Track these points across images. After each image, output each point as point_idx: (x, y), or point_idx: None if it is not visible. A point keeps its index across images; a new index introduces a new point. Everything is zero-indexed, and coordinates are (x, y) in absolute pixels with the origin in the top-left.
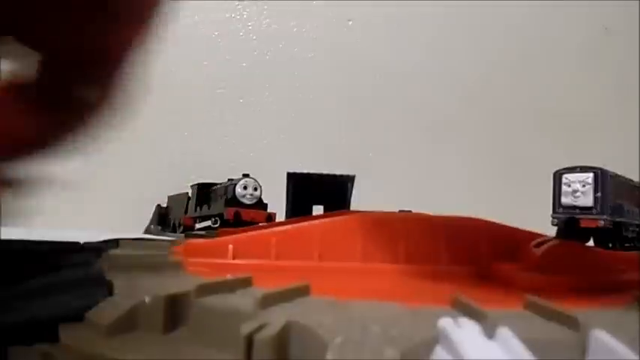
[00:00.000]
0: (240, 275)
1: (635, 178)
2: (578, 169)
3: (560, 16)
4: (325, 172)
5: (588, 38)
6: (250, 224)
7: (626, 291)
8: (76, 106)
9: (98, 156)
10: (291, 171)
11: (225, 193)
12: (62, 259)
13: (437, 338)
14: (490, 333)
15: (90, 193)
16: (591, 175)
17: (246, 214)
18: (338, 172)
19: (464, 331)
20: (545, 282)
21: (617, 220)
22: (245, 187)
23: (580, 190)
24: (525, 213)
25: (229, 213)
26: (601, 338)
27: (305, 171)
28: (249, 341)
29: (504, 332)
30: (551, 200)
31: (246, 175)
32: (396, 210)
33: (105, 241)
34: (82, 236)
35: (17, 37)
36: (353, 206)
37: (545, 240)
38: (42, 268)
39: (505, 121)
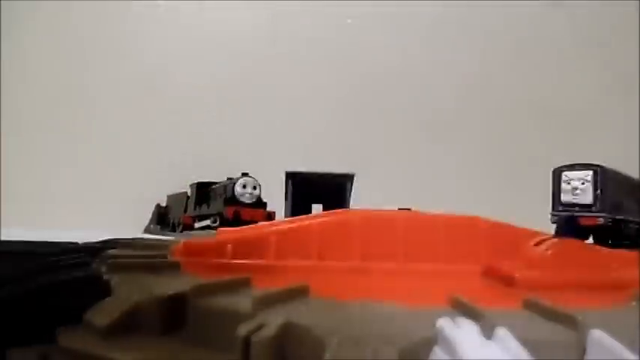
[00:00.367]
0: (239, 275)
1: (635, 176)
2: (578, 167)
3: (560, 15)
4: (324, 171)
5: (588, 37)
6: (250, 223)
7: (625, 289)
8: None
9: (98, 156)
10: (290, 170)
11: (225, 192)
12: (61, 260)
13: (435, 338)
14: (488, 333)
15: (90, 193)
16: (591, 172)
17: (245, 213)
18: (337, 170)
19: (462, 332)
20: (545, 280)
21: (617, 217)
22: (244, 186)
23: (580, 188)
24: (525, 211)
25: (229, 212)
26: (600, 338)
27: (304, 170)
28: (247, 342)
29: (502, 332)
30: (551, 198)
31: (245, 174)
32: (395, 208)
33: (103, 242)
34: (82, 236)
35: None
36: (352, 205)
37: (545, 238)
38: (41, 268)
39: (504, 119)
